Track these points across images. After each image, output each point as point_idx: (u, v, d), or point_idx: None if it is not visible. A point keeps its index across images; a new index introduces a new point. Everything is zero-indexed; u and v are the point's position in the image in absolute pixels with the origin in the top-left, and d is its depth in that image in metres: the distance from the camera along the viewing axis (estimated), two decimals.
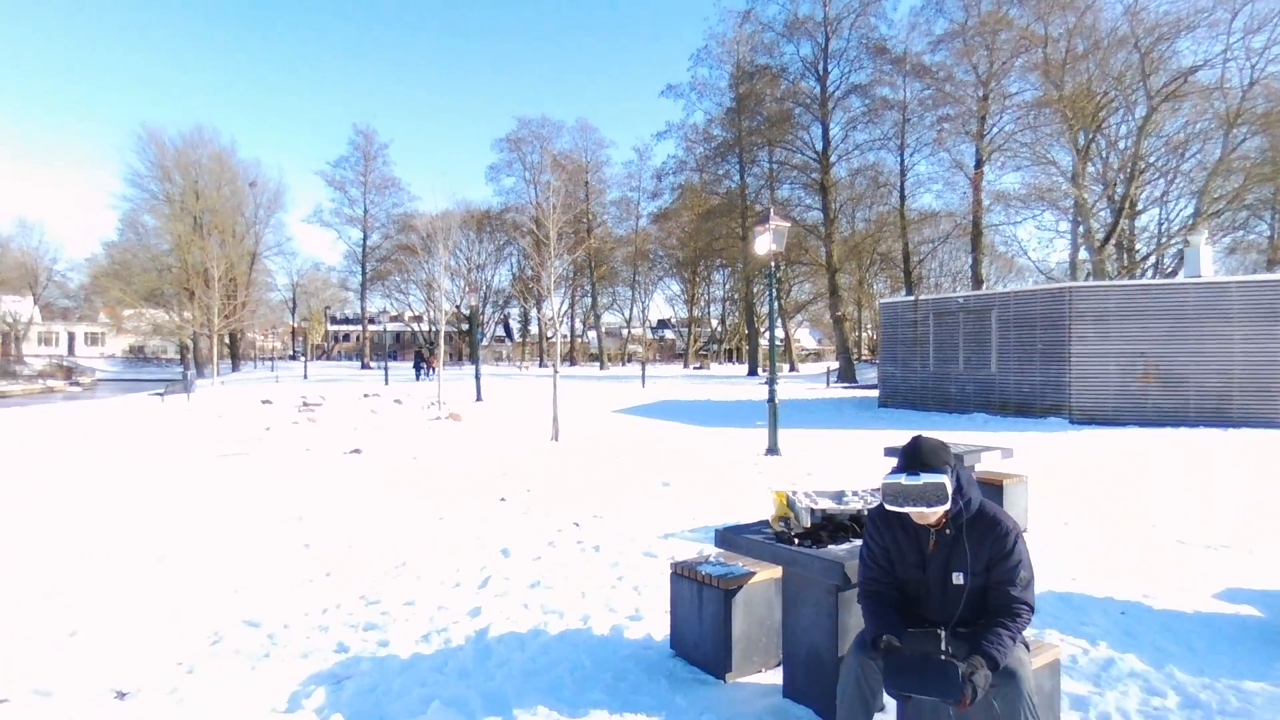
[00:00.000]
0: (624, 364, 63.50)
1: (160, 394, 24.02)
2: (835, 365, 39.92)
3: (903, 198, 36.70)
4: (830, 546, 3.26)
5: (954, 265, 48.42)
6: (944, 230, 39.58)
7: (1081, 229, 28.57)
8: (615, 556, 6.14)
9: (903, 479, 2.54)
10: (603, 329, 64.31)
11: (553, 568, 5.87)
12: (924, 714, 2.89)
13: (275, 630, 4.63)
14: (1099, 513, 7.61)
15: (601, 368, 55.76)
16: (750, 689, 3.69)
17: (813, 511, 3.38)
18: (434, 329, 66.75)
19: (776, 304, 42.57)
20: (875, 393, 22.51)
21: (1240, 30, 23.92)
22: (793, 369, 51.04)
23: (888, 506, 2.58)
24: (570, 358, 65.83)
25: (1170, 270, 27.47)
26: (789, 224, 12.01)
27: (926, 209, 38.35)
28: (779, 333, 58.85)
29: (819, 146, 37.08)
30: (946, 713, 2.78)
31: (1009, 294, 16.82)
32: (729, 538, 3.59)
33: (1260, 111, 24.14)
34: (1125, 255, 29.92)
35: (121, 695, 3.81)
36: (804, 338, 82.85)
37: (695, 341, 66.38)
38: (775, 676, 3.76)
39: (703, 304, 65.11)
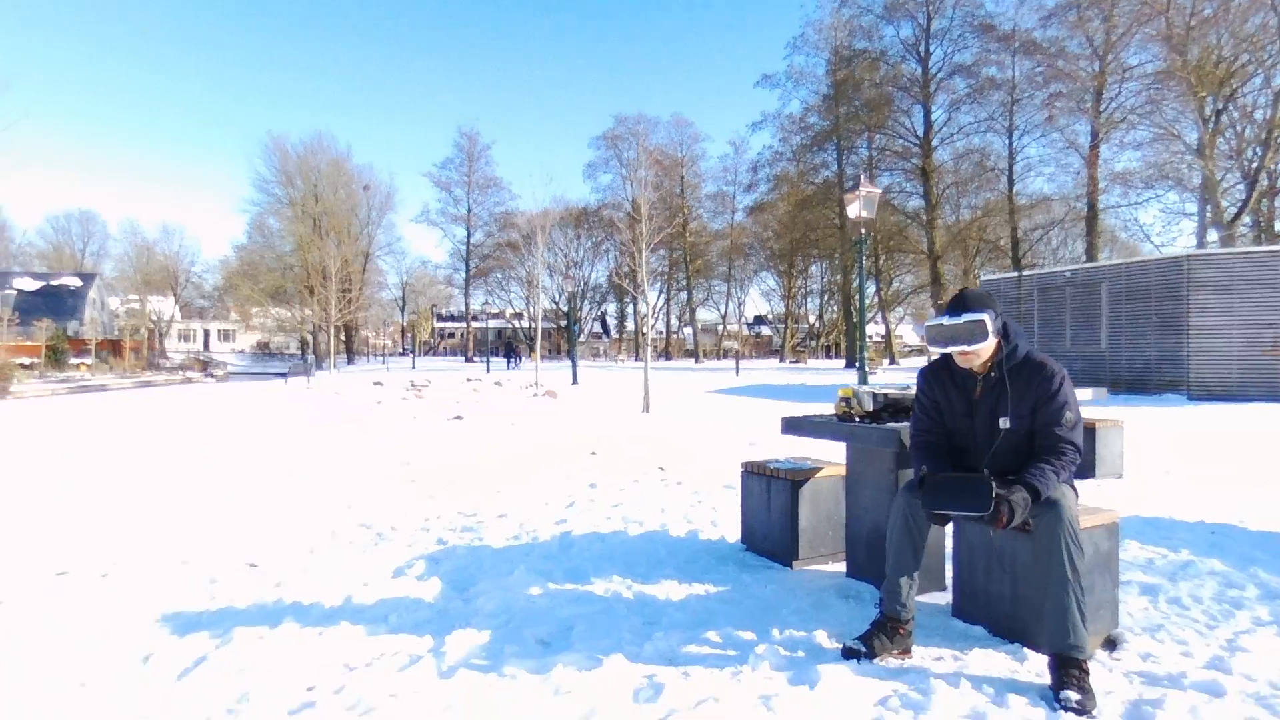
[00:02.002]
0: (719, 359, 63.38)
1: (284, 376, 25.84)
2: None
3: (1011, 182, 35.24)
4: (890, 424, 3.39)
5: (1067, 252, 45.91)
6: (1056, 215, 37.68)
7: (1209, 207, 26.65)
8: (696, 488, 6.38)
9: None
10: (698, 324, 64.45)
11: (636, 495, 6.16)
12: (976, 559, 3.00)
13: (384, 530, 5.11)
14: (1205, 468, 7.27)
15: (697, 361, 55.91)
16: (815, 573, 3.85)
17: (875, 396, 3.52)
18: (532, 325, 68.76)
19: (876, 297, 41.22)
20: None
21: None
22: (892, 362, 49.68)
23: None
24: (666, 352, 66.29)
25: None
26: (880, 190, 11.90)
27: (1037, 193, 36.64)
28: (879, 328, 57.43)
29: (920, 131, 36.16)
30: (1001, 556, 2.89)
31: (1119, 265, 15.96)
32: (794, 421, 3.77)
33: None
34: (1263, 234, 27.73)
35: (253, 565, 4.33)
36: (906, 333, 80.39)
37: (792, 336, 65.53)
38: (840, 565, 3.91)
39: (799, 298, 64.25)
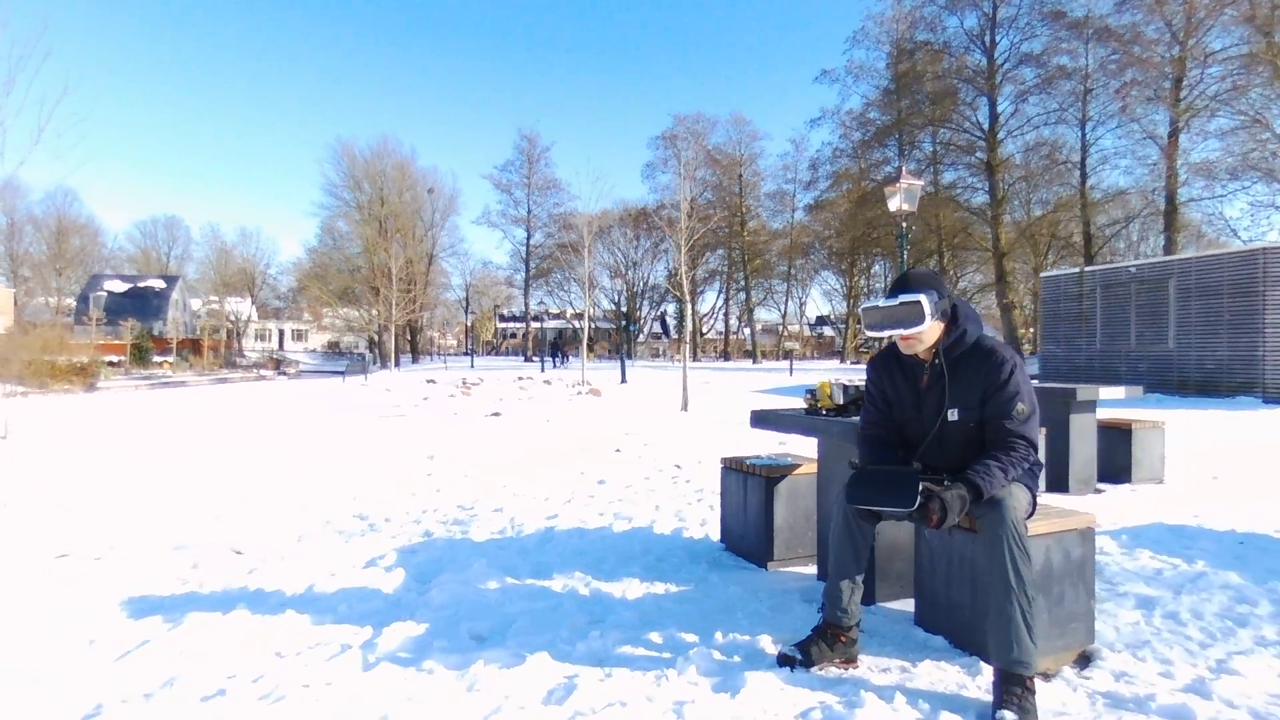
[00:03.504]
0: (779, 359, 62.53)
1: (341, 374, 26.62)
2: None
3: (1084, 175, 33.62)
4: (856, 417, 3.19)
5: (1146, 248, 43.58)
6: (1134, 209, 35.78)
7: None
8: (702, 485, 6.22)
9: (880, 301, 2.47)
10: (756, 324, 63.73)
11: (641, 493, 6.04)
12: (937, 564, 2.80)
13: (377, 522, 5.13)
14: (1261, 474, 6.73)
15: (754, 362, 55.29)
16: (787, 575, 3.67)
17: (845, 389, 3.33)
18: (593, 324, 69.05)
19: None
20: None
21: None
22: None
23: (868, 333, 2.52)
24: (725, 353, 65.80)
25: None
26: (921, 183, 11.48)
27: (1113, 187, 34.82)
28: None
29: (985, 124, 34.84)
30: (962, 561, 2.68)
31: (1189, 260, 14.99)
32: (763, 415, 3.60)
33: None
34: None
35: (238, 552, 4.39)
36: None
37: (854, 336, 64.08)
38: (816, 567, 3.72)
39: (862, 297, 62.83)
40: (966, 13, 34.49)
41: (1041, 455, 5.47)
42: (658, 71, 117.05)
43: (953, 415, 2.47)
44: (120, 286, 60.55)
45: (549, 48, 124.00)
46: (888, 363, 2.66)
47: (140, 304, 57.36)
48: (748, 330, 66.44)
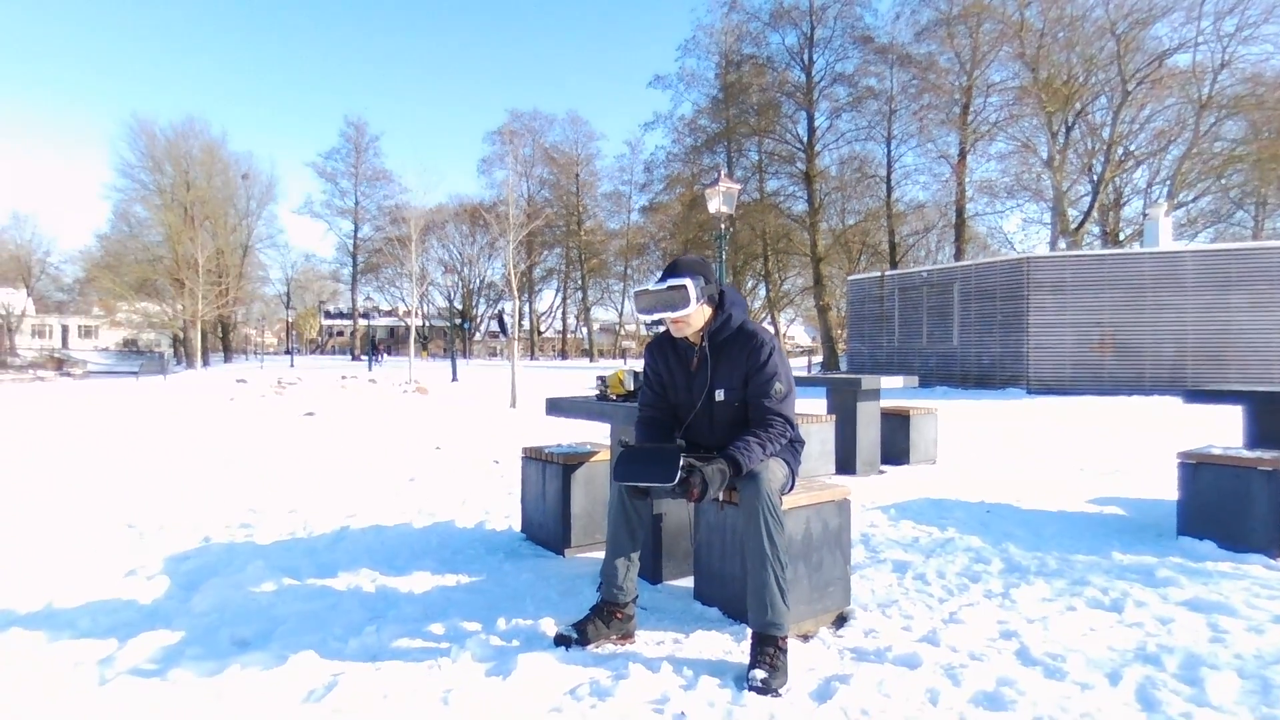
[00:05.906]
0: (617, 358, 63.47)
1: (135, 374, 24.10)
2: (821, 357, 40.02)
3: (889, 189, 36.70)
4: None
5: (943, 256, 48.33)
6: (931, 221, 39.58)
7: (1059, 216, 28.60)
8: (517, 479, 6.17)
9: (650, 285, 2.57)
10: (593, 324, 64.36)
11: (452, 488, 5.90)
12: (713, 539, 2.93)
13: (148, 530, 4.65)
14: (1016, 451, 7.64)
15: (591, 360, 55.79)
16: (582, 560, 3.71)
17: (637, 376, 3.41)
18: (427, 322, 66.72)
19: (766, 298, 41.82)
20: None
21: (1212, 14, 23.99)
22: None
23: (639, 316, 2.62)
24: (563, 352, 65.92)
25: None
26: (739, 186, 12.06)
27: (914, 200, 38.36)
28: (770, 328, 58.84)
29: (804, 137, 37.15)
30: (735, 535, 2.82)
31: (970, 266, 16.82)
32: (555, 402, 3.63)
33: (1230, 95, 24.20)
34: (1109, 243, 29.99)
35: None
36: (798, 334, 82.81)
37: None
38: None
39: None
40: (787, 31, 36.65)
41: (833, 436, 5.90)
42: (495, 65, 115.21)
43: (719, 395, 2.61)
44: None
45: (378, 32, 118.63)
46: (663, 346, 2.77)
47: None
48: (585, 329, 67.01)
